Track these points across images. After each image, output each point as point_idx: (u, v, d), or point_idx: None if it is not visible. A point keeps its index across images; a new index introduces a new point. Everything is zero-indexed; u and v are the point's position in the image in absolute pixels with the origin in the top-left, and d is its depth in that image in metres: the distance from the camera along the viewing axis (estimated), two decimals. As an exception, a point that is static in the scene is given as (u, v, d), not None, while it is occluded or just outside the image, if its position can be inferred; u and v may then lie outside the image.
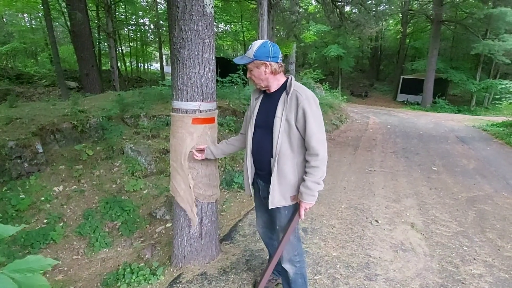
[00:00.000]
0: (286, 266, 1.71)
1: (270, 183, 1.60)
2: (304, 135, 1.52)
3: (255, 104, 1.70)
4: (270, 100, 1.63)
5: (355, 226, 2.92)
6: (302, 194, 1.53)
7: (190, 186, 2.02)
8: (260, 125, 1.65)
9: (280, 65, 1.58)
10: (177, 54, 1.88)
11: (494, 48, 13.06)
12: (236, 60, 1.63)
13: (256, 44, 1.55)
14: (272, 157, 1.57)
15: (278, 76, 1.60)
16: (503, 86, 9.63)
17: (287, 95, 1.53)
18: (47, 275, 2.42)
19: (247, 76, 1.64)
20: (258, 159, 1.68)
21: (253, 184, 1.79)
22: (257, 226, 1.96)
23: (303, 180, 1.54)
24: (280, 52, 1.60)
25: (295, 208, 1.64)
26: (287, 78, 1.61)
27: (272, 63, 1.54)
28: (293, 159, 1.55)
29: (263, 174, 1.68)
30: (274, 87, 1.62)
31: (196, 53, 1.87)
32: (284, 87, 1.59)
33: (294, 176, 1.57)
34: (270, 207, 1.61)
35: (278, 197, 1.59)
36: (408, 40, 21.69)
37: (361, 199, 3.57)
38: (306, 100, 1.49)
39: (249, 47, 1.58)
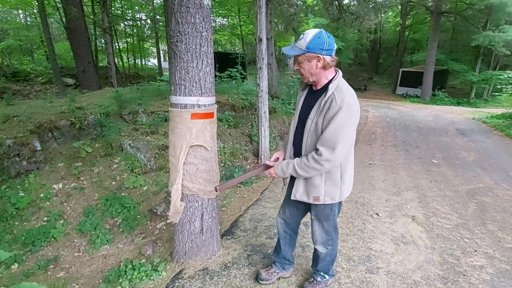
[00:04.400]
0: (319, 247, 1.81)
1: None
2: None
3: (300, 97, 1.68)
4: (312, 98, 1.58)
5: (355, 220, 2.92)
6: (280, 164, 1.63)
7: (178, 182, 1.99)
8: (300, 120, 1.65)
9: (333, 59, 1.46)
10: (174, 48, 1.84)
11: (495, 39, 12.96)
12: (286, 50, 1.51)
13: (310, 34, 1.42)
14: (301, 155, 1.59)
15: (328, 72, 1.50)
16: (505, 76, 9.54)
17: (324, 97, 1.46)
18: (49, 273, 2.42)
19: (295, 68, 1.54)
20: (296, 153, 1.70)
21: None
22: (278, 215, 1.98)
23: (296, 159, 1.59)
24: (335, 44, 1.47)
25: (331, 207, 1.68)
26: (335, 75, 1.52)
27: (325, 56, 1.43)
28: None
29: None
30: (321, 84, 1.53)
31: (193, 46, 1.83)
32: (326, 88, 1.49)
33: (319, 178, 1.58)
34: (292, 198, 1.65)
35: (301, 192, 1.63)
36: (407, 33, 21.50)
37: (362, 193, 3.57)
38: (338, 106, 1.39)
39: (300, 37, 1.46)
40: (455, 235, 2.70)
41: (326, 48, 1.42)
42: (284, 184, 1.84)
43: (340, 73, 1.52)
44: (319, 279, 1.92)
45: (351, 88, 1.50)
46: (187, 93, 1.90)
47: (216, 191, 1.75)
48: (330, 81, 1.51)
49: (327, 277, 1.93)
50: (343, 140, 1.43)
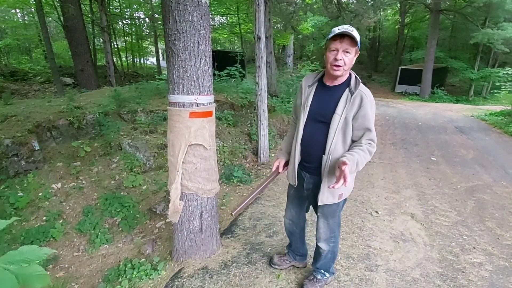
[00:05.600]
0: (321, 244, 1.82)
1: (317, 176, 1.62)
2: (359, 131, 1.53)
3: (309, 93, 1.63)
4: (329, 93, 1.57)
5: (355, 218, 2.93)
6: (346, 159, 1.39)
7: (177, 181, 1.99)
8: (314, 117, 1.60)
9: None
10: (172, 47, 1.83)
11: (494, 37, 12.94)
12: (354, 33, 1.40)
13: (354, 29, 1.43)
14: (324, 153, 1.56)
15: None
16: (503, 73, 9.53)
17: (351, 94, 1.50)
18: (48, 273, 2.42)
19: (338, 57, 1.43)
20: (307, 151, 1.65)
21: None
22: (285, 216, 2.02)
23: (351, 152, 1.51)
24: None
25: (338, 203, 1.69)
26: (350, 74, 1.56)
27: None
28: None
29: (310, 166, 1.66)
30: (343, 78, 1.55)
31: (191, 45, 1.82)
32: (347, 84, 1.54)
33: None
34: (319, 204, 1.64)
35: (327, 194, 1.61)
36: (406, 30, 21.46)
37: (361, 191, 3.57)
38: (370, 103, 1.50)
39: (350, 28, 1.40)
40: (454, 232, 2.71)
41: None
42: (293, 184, 1.77)
43: (356, 75, 1.58)
44: (319, 277, 1.93)
45: None
46: (185, 92, 1.89)
47: (232, 216, 1.79)
48: (348, 80, 1.56)
49: (327, 275, 1.94)
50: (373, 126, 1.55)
